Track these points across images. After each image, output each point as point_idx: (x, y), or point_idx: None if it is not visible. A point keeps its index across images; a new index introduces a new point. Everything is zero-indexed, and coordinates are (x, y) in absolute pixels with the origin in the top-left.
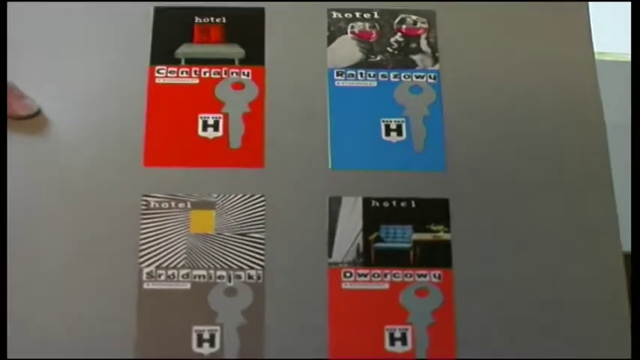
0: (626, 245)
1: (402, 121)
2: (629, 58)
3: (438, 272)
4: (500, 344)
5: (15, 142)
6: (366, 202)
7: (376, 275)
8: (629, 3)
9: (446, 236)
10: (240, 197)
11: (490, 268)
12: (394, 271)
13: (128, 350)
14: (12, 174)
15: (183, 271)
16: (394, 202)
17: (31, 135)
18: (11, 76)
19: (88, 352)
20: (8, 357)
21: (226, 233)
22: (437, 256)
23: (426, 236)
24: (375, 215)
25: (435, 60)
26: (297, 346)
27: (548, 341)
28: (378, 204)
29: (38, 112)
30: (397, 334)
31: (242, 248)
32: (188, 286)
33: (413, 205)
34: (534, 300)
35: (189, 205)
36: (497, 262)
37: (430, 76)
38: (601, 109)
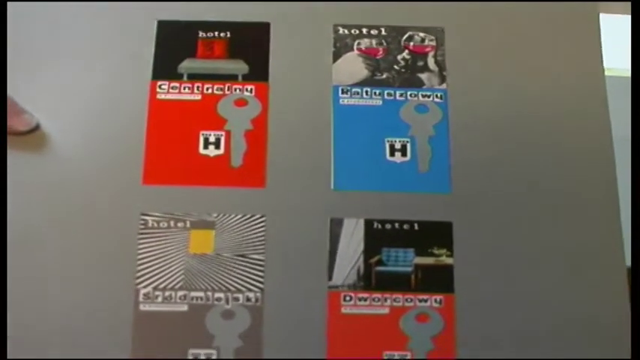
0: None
1: (407, 141)
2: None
3: (439, 297)
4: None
5: (12, 157)
6: (368, 224)
7: (376, 299)
8: (629, 19)
9: (448, 260)
10: (241, 217)
11: (493, 294)
12: (395, 296)
13: None
14: (8, 190)
15: (180, 293)
16: (397, 225)
17: (28, 151)
18: (10, 91)
19: None
20: None
21: (225, 254)
22: (438, 280)
23: (428, 260)
24: (377, 238)
25: (443, 79)
26: None
27: None
28: (380, 226)
29: (37, 127)
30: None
31: (241, 269)
32: (185, 307)
33: (416, 227)
34: (537, 326)
35: (188, 225)
36: (500, 288)
37: (437, 95)
38: (610, 130)
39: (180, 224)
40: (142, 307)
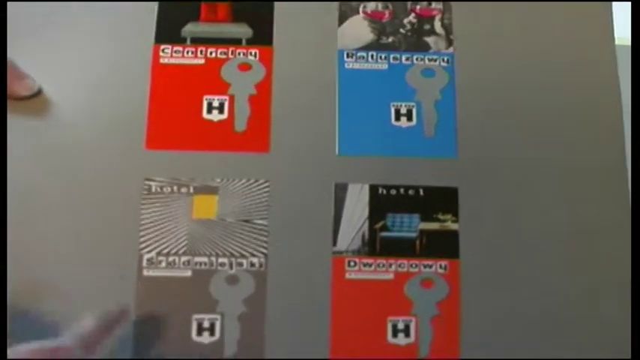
0: None
1: (413, 106)
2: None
3: (444, 263)
4: (507, 337)
5: (14, 122)
6: (373, 189)
7: (381, 265)
8: None
9: (454, 226)
10: (244, 182)
11: (498, 260)
12: (399, 261)
13: (127, 337)
14: (10, 155)
15: (184, 258)
16: (402, 190)
17: (30, 116)
18: (11, 55)
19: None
20: (9, 344)
21: (229, 219)
22: (444, 246)
23: (434, 225)
24: (382, 203)
25: (449, 42)
26: (298, 335)
27: (558, 335)
28: (385, 191)
29: (39, 92)
30: (400, 326)
31: (245, 235)
32: (189, 273)
33: (421, 193)
34: (543, 293)
35: (191, 190)
36: (505, 254)
37: (443, 59)
38: (619, 97)
39: (183, 189)
40: (145, 273)
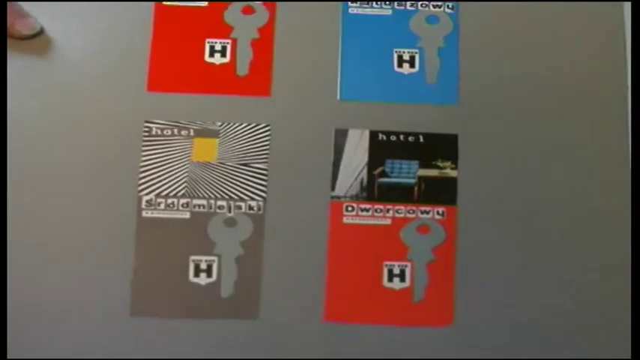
0: None
1: (416, 52)
2: None
3: (441, 209)
4: (502, 284)
5: (16, 61)
6: (373, 135)
7: (378, 210)
8: None
9: (453, 173)
10: (245, 126)
11: (496, 207)
12: (397, 207)
13: (126, 278)
14: (11, 94)
15: (183, 200)
16: (401, 137)
17: (32, 55)
18: None
19: (85, 279)
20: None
21: (229, 163)
22: (442, 192)
23: (432, 172)
24: (381, 149)
25: None
26: (294, 277)
27: (554, 281)
28: (385, 137)
29: (41, 32)
30: (396, 271)
31: (244, 178)
32: (187, 215)
33: (421, 139)
34: (539, 237)
35: (192, 133)
36: (503, 201)
37: (448, 6)
38: (624, 45)
39: (184, 132)
40: (144, 214)
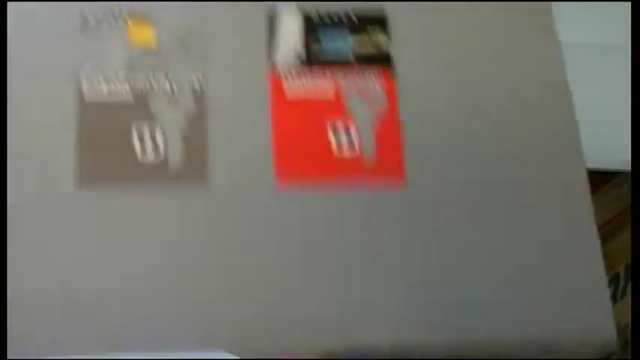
0: None
1: None
2: None
3: (378, 71)
4: (449, 149)
5: None
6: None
7: (318, 76)
8: None
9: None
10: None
11: (434, 72)
12: (336, 72)
13: (69, 168)
14: None
15: (125, 84)
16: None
17: None
18: None
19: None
20: None
21: (167, 46)
22: (379, 57)
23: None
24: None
25: None
26: (240, 150)
27: (501, 155)
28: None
29: None
30: (343, 140)
31: (183, 60)
32: (130, 97)
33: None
34: (480, 107)
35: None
36: (440, 66)
37: None
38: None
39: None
40: (87, 99)
